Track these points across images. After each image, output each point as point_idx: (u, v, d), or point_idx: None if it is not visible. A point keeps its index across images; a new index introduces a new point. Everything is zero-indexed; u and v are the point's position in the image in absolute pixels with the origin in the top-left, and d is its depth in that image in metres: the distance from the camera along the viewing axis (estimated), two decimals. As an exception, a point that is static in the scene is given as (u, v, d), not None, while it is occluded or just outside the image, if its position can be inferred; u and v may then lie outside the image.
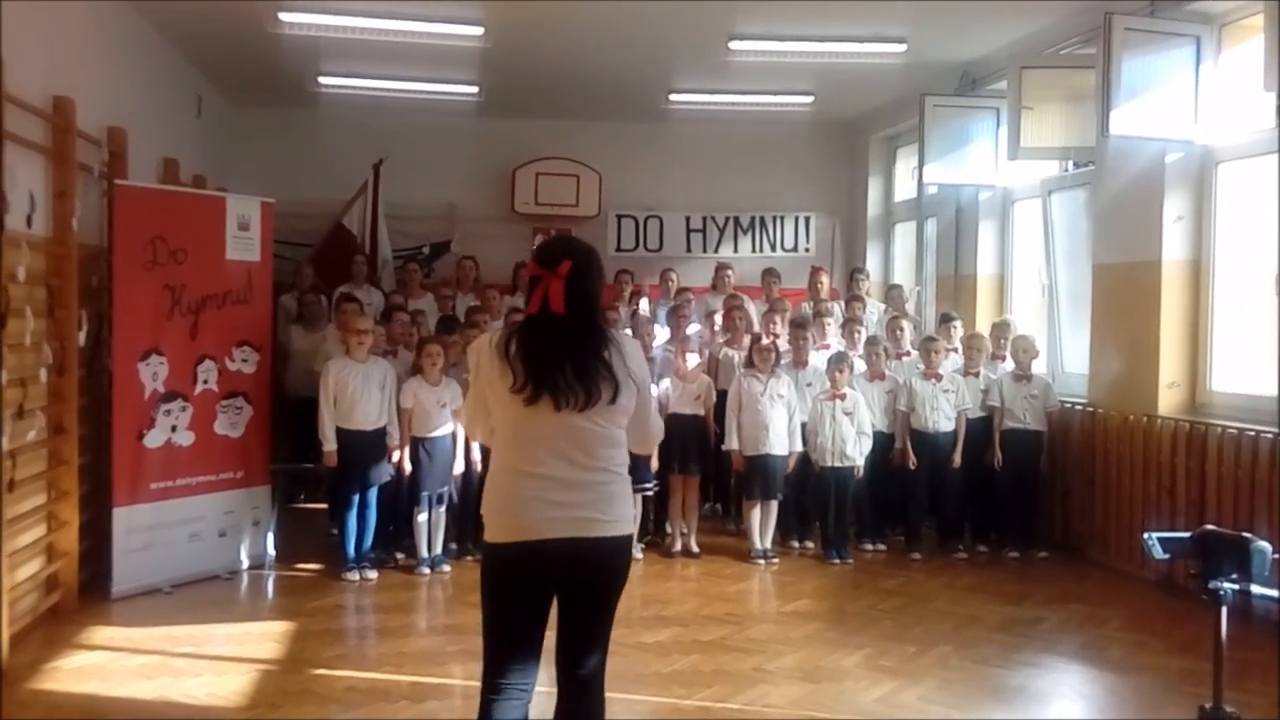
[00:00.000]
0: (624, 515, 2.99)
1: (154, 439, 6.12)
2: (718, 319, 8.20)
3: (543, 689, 3.01)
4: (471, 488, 6.59)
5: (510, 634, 2.92)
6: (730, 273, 9.32)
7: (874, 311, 8.79)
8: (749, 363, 7.10)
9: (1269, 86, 5.36)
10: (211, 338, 6.39)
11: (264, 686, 4.64)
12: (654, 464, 6.89)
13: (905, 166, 10.59)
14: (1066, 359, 7.94)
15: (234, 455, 6.52)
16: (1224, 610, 3.08)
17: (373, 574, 6.46)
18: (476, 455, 6.61)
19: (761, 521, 7.02)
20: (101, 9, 6.44)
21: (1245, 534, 3.15)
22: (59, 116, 5.50)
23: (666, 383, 7.12)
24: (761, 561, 6.91)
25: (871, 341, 7.60)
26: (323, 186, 9.73)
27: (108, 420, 6.01)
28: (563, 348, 2.86)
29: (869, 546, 7.33)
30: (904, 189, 10.67)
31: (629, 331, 7.51)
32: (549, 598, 2.95)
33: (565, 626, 2.98)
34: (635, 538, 6.99)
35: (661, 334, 7.99)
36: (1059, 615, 5.84)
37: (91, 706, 4.43)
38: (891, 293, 9.12)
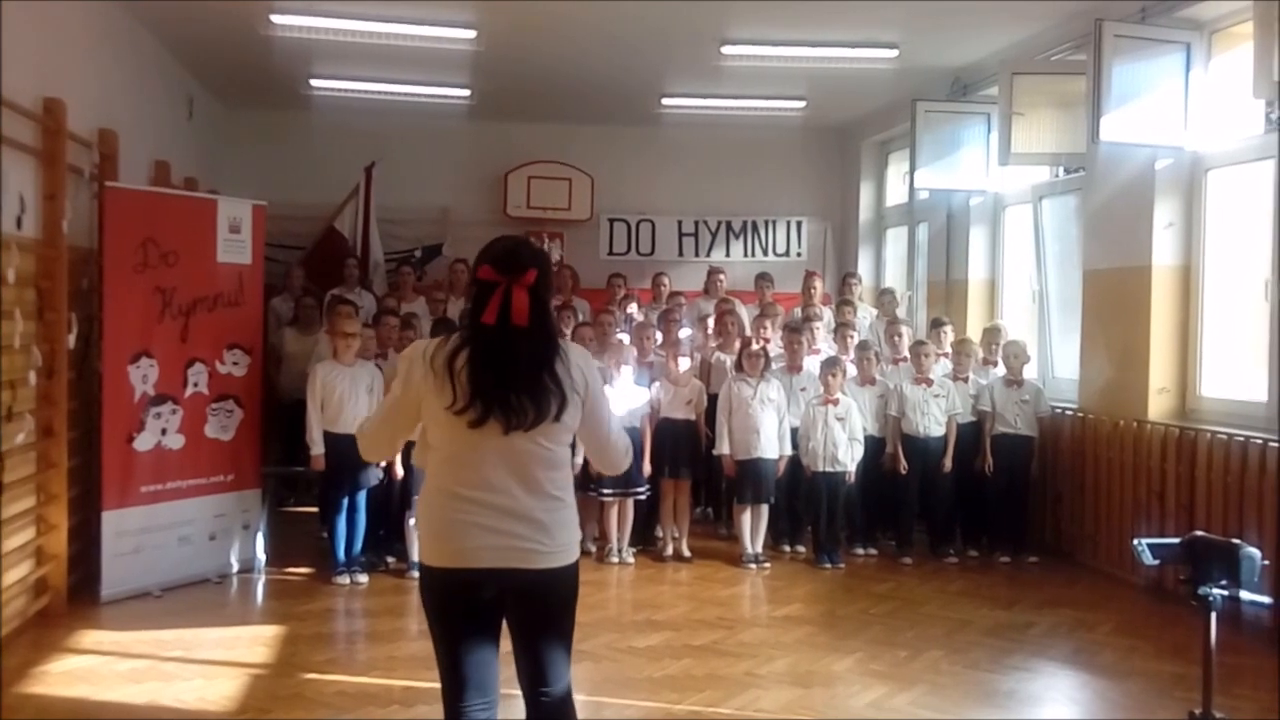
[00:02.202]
0: (568, 543, 2.79)
1: (144, 442, 6.09)
2: (709, 323, 8.21)
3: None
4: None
5: (457, 657, 2.78)
6: (722, 277, 9.34)
7: (865, 316, 8.80)
8: (738, 367, 7.11)
9: (1258, 93, 5.39)
10: (202, 341, 6.37)
11: (254, 690, 4.62)
12: (646, 469, 6.91)
13: (897, 171, 10.62)
14: (1057, 364, 7.96)
15: (224, 458, 6.50)
16: (1213, 616, 3.10)
17: (363, 578, 6.44)
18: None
19: (752, 526, 7.02)
20: (93, 11, 6.43)
21: (1234, 540, 3.16)
22: (49, 118, 5.48)
23: (658, 387, 7.12)
24: (753, 566, 6.91)
25: (862, 346, 7.61)
26: (314, 189, 9.72)
27: (97, 423, 5.99)
28: (521, 364, 2.67)
29: (860, 551, 7.33)
30: (895, 194, 10.70)
31: (624, 337, 7.52)
32: (493, 622, 2.80)
33: (518, 653, 2.83)
34: (625, 545, 7.02)
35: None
36: (1050, 620, 5.85)
37: (80, 710, 4.41)
38: (883, 298, 9.13)
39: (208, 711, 4.40)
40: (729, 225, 11.07)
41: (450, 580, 2.75)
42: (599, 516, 7.06)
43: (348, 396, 6.37)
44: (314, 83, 9.10)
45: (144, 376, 6.09)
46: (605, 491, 6.87)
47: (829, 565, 6.99)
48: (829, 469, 7.03)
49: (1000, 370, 7.42)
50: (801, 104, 9.78)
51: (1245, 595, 3.07)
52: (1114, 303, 6.88)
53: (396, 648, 5.24)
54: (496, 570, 2.70)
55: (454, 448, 2.73)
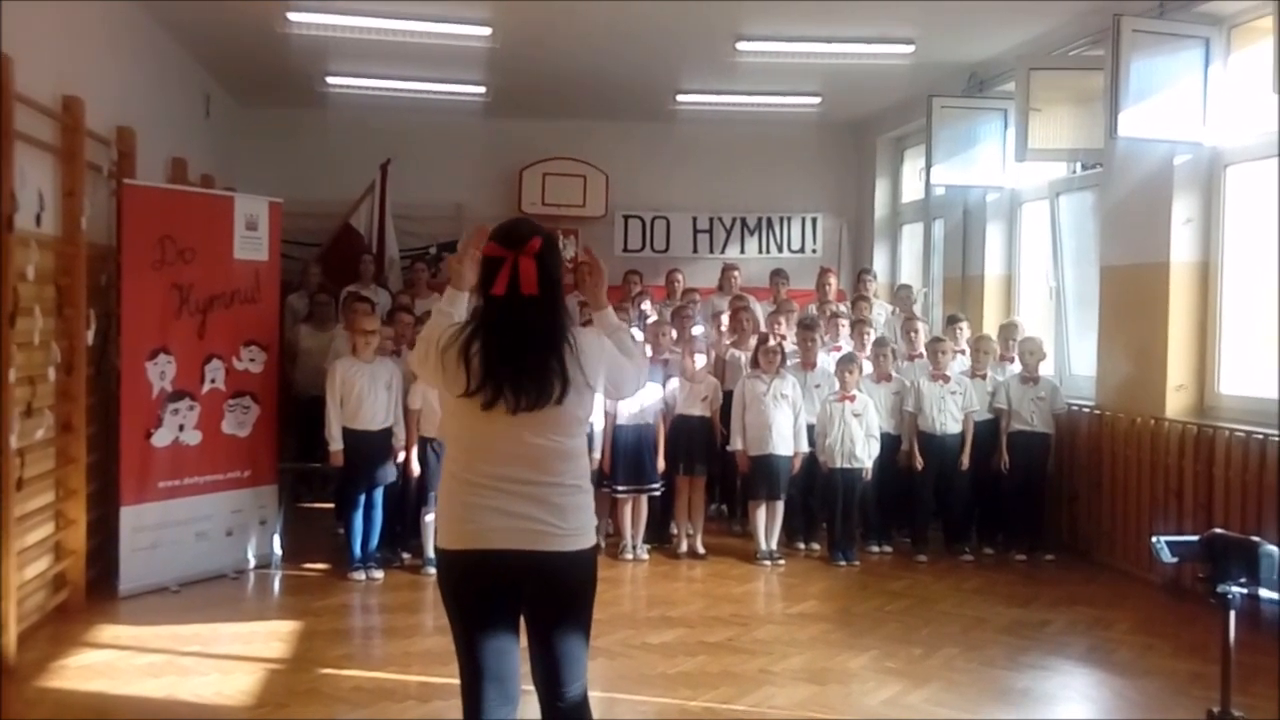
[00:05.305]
0: (582, 527, 2.79)
1: (161, 438, 6.13)
2: (724, 320, 8.20)
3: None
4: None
5: (474, 645, 2.76)
6: (737, 273, 9.33)
7: (881, 313, 8.78)
8: (754, 363, 7.10)
9: (1278, 88, 5.35)
10: (219, 337, 6.40)
11: (271, 686, 4.64)
12: (660, 465, 6.92)
13: (913, 168, 10.57)
14: (1074, 361, 7.92)
15: (241, 454, 6.53)
16: (1232, 614, 3.08)
17: (379, 573, 6.47)
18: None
19: (767, 523, 7.01)
20: (111, 9, 6.46)
21: (1253, 537, 3.14)
22: (68, 116, 5.52)
23: (674, 384, 7.12)
24: (767, 563, 6.90)
25: (879, 343, 7.59)
26: (330, 186, 9.75)
27: (115, 419, 6.03)
28: (531, 334, 2.71)
29: (875, 548, 7.31)
30: (911, 190, 10.65)
31: (638, 333, 7.51)
32: (510, 610, 2.78)
33: (535, 650, 2.80)
34: (639, 542, 7.03)
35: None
36: (1066, 618, 5.83)
37: (99, 705, 4.44)
38: (900, 294, 9.11)
39: (224, 706, 4.42)
40: (744, 222, 11.06)
41: (465, 563, 2.76)
42: (613, 513, 7.06)
43: (367, 393, 6.40)
44: (330, 80, 9.13)
45: (162, 373, 6.13)
46: (619, 488, 6.88)
47: (844, 562, 6.98)
48: (846, 465, 7.01)
49: (1016, 367, 7.39)
50: (817, 100, 9.75)
51: (1264, 593, 3.05)
52: (1132, 299, 6.84)
53: (412, 643, 5.26)
54: (510, 552, 2.71)
55: (469, 437, 2.77)
